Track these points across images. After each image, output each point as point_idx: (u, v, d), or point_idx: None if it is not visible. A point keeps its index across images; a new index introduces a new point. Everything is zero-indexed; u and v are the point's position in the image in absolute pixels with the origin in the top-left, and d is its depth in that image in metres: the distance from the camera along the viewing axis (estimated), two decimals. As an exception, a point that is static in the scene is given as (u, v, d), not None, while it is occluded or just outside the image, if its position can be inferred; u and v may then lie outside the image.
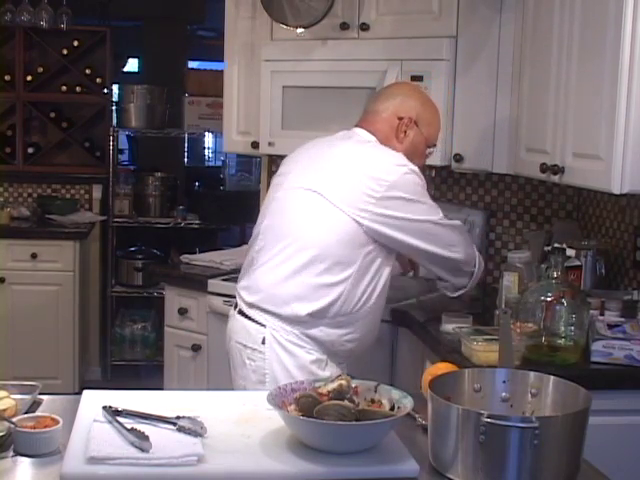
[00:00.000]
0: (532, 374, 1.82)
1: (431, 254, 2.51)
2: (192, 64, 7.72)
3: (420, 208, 2.46)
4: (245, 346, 2.49)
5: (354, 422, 1.67)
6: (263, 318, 2.46)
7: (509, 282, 2.77)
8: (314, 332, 2.44)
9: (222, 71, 3.98)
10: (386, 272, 2.50)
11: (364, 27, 3.36)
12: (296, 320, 2.43)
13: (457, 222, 2.60)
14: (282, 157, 2.77)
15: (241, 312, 2.53)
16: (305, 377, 2.29)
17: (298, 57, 3.49)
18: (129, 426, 1.70)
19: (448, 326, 2.66)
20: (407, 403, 1.76)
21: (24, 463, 1.64)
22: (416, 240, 2.46)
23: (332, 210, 2.42)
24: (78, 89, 5.53)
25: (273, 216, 2.53)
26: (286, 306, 2.43)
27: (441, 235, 2.50)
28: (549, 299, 2.38)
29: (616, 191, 2.35)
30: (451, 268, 2.58)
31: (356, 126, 2.61)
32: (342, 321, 2.45)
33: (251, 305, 2.49)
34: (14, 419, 1.71)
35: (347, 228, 2.41)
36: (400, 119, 2.56)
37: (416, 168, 2.49)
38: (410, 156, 2.52)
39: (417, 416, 1.88)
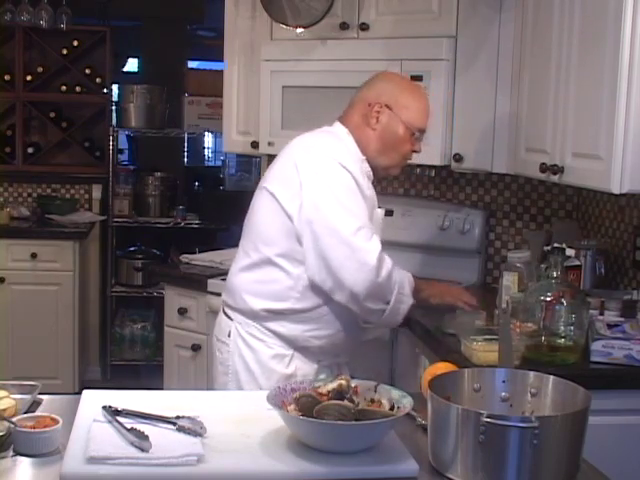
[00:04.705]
0: (532, 374, 1.82)
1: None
2: (192, 64, 7.70)
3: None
4: (217, 339, 2.57)
5: (354, 422, 1.67)
6: (231, 312, 2.51)
7: (509, 282, 2.77)
8: (275, 326, 2.43)
9: (222, 71, 3.98)
10: None
11: (364, 27, 3.36)
12: (255, 315, 2.44)
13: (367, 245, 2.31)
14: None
15: (223, 309, 2.60)
16: (263, 373, 2.39)
17: (298, 57, 3.49)
18: (129, 426, 1.70)
19: (450, 325, 2.66)
20: (407, 403, 1.76)
21: (24, 463, 1.64)
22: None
23: (275, 205, 2.40)
24: (78, 89, 5.52)
25: (247, 216, 2.57)
26: (241, 300, 2.46)
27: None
28: (549, 299, 2.38)
29: (616, 191, 2.35)
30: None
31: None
32: (303, 317, 2.42)
33: (224, 301, 2.57)
34: (14, 419, 1.71)
35: (288, 223, 2.37)
36: (370, 105, 2.46)
37: (347, 163, 2.35)
38: (390, 144, 2.46)
39: (417, 416, 1.88)
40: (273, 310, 2.42)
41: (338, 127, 2.50)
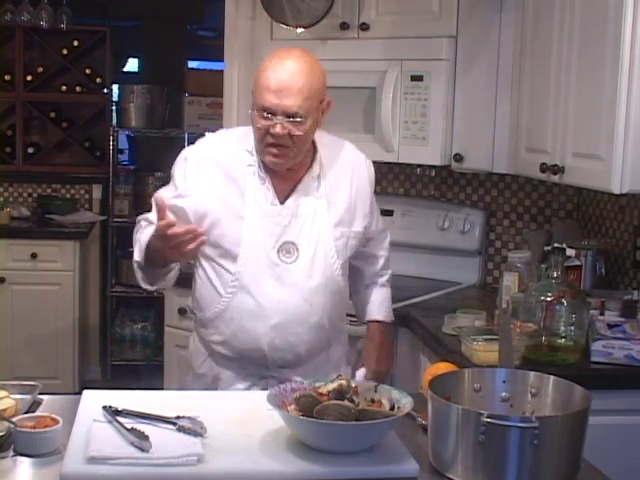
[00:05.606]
0: (532, 374, 1.82)
1: None
2: (192, 64, 7.68)
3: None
4: None
5: (354, 422, 1.67)
6: None
7: (509, 282, 2.77)
8: (196, 327, 2.45)
9: (222, 71, 3.98)
10: (225, 275, 2.27)
11: (364, 27, 3.36)
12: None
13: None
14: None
15: None
16: (188, 368, 2.44)
17: (298, 57, 3.48)
18: (129, 426, 1.70)
19: (450, 325, 2.66)
20: (407, 403, 1.76)
21: (24, 463, 1.64)
22: None
23: None
24: (78, 89, 5.52)
25: None
26: None
27: None
28: (549, 299, 2.38)
29: (616, 191, 2.35)
30: None
31: None
32: (202, 320, 2.35)
33: None
34: (14, 419, 1.71)
35: None
36: None
37: (190, 152, 2.53)
38: (253, 130, 2.26)
39: (417, 416, 1.88)
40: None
41: None
